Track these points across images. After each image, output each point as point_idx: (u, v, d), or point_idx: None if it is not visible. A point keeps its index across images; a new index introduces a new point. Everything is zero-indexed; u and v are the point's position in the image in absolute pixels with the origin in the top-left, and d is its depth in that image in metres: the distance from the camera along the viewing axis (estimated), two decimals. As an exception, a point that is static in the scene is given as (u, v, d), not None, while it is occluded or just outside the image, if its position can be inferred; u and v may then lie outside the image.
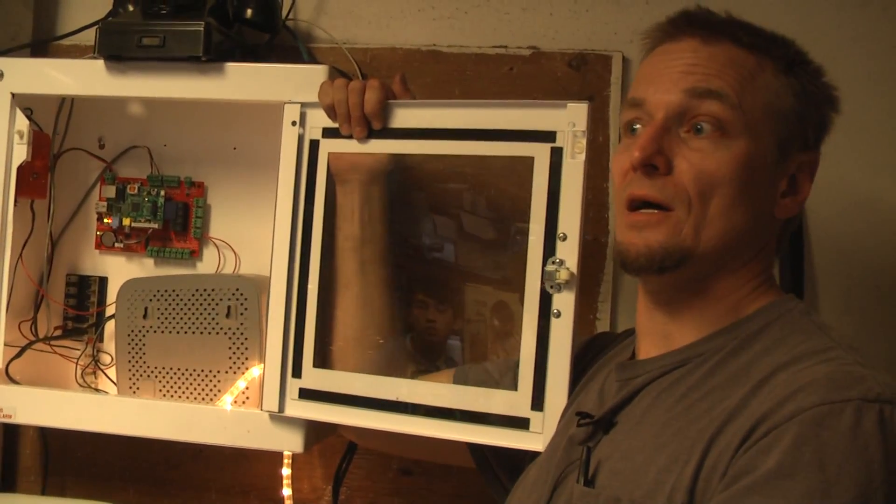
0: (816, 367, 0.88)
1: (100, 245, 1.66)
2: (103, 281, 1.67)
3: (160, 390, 1.50)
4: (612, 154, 1.52)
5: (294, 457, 1.56)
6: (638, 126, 1.03)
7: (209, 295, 1.48)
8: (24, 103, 1.49)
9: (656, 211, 0.99)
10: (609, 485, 0.94)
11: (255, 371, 1.44)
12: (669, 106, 0.99)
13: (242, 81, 1.41)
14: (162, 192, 1.63)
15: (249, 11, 1.54)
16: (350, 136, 1.29)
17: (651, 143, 0.98)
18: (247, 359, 1.45)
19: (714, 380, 0.95)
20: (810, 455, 0.79)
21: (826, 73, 1.05)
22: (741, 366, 0.94)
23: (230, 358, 1.46)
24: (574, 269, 1.16)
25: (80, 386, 1.63)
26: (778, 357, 0.92)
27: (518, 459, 1.19)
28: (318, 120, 1.32)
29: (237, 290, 1.46)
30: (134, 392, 1.51)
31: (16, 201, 1.49)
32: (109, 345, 1.62)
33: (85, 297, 1.67)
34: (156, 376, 1.50)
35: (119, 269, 1.66)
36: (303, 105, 1.33)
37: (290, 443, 1.37)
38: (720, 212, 0.97)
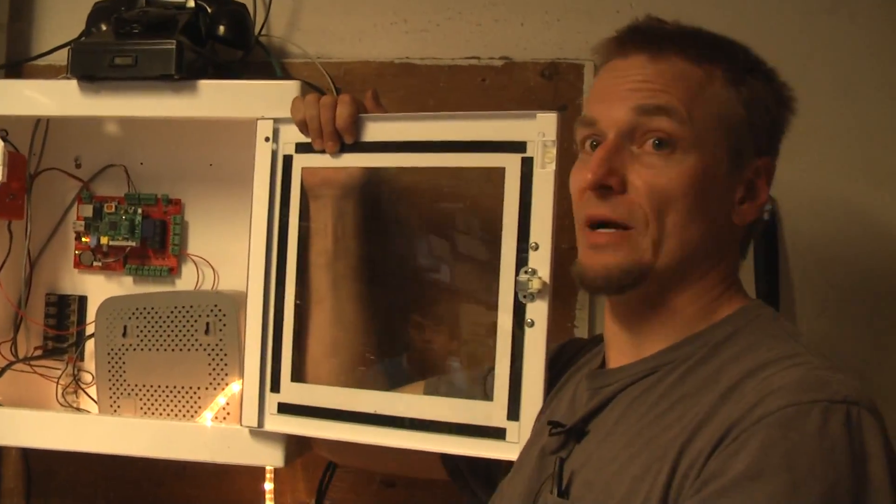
0: (785, 371, 0.88)
1: (78, 264, 1.66)
2: (83, 300, 1.67)
3: (141, 408, 1.50)
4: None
5: (277, 471, 1.56)
6: (589, 141, 1.03)
7: (188, 312, 1.48)
8: (-1, 124, 1.49)
9: (614, 231, 0.99)
10: (583, 496, 0.94)
11: (234, 387, 1.44)
12: (619, 124, 0.99)
13: (215, 99, 1.41)
14: (139, 211, 1.63)
15: (222, 29, 1.54)
16: (323, 151, 1.30)
17: (602, 164, 0.98)
18: (226, 374, 1.45)
19: (684, 388, 0.95)
20: (778, 457, 0.80)
21: (778, 75, 1.06)
22: (710, 373, 0.94)
23: (210, 374, 1.46)
24: (547, 278, 1.17)
25: (62, 406, 1.62)
26: (747, 364, 0.92)
27: (492, 469, 1.20)
28: (292, 135, 1.33)
29: (215, 306, 1.47)
30: (115, 410, 1.51)
31: (-8, 222, 1.50)
32: (90, 364, 1.62)
33: (64, 316, 1.67)
34: (136, 394, 1.50)
35: (98, 288, 1.66)
36: (275, 121, 1.34)
37: (270, 457, 1.38)
38: (676, 226, 0.98)
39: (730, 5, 1.52)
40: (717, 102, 1.00)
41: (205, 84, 1.41)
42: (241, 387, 1.35)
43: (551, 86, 1.55)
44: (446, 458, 1.27)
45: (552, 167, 1.17)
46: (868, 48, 1.51)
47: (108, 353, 1.51)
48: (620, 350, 1.06)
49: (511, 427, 1.18)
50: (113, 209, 1.63)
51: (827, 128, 1.49)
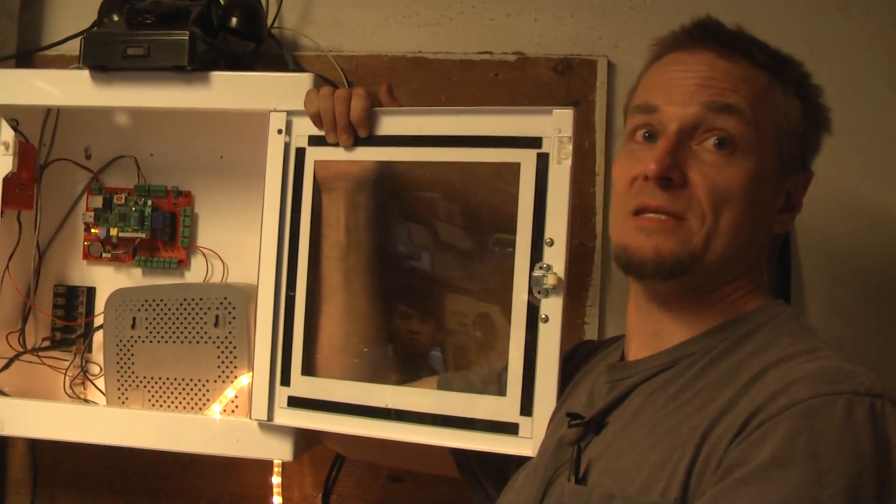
0: (807, 363, 0.89)
1: (87, 255, 1.66)
2: (91, 291, 1.67)
3: (149, 400, 1.50)
4: (609, 159, 1.52)
5: (284, 465, 1.56)
6: (643, 131, 1.03)
7: (197, 304, 1.47)
8: (10, 114, 1.49)
9: (667, 217, 0.99)
10: (601, 482, 0.94)
11: (243, 380, 1.44)
12: (685, 118, 1.00)
13: (228, 90, 1.41)
14: (149, 202, 1.63)
15: (234, 20, 1.54)
16: (336, 144, 1.29)
17: (667, 156, 0.98)
18: (235, 367, 1.45)
19: (704, 380, 0.95)
20: (803, 446, 0.80)
21: (823, 93, 1.07)
22: (731, 366, 0.95)
23: (219, 367, 1.46)
24: (561, 274, 1.17)
25: (69, 397, 1.62)
26: (768, 357, 0.93)
27: (503, 466, 1.20)
28: (304, 128, 1.32)
29: (225, 298, 1.46)
30: (123, 402, 1.51)
31: (2, 212, 1.49)
32: (98, 355, 1.61)
33: (73, 307, 1.67)
34: (145, 386, 1.50)
35: (107, 280, 1.66)
36: (289, 113, 1.33)
37: (279, 451, 1.37)
38: (730, 225, 0.99)
39: (743, 1, 1.51)
40: (777, 111, 1.01)
41: (217, 76, 1.41)
42: (251, 380, 1.35)
43: (564, 81, 1.55)
44: (457, 454, 1.27)
45: (568, 163, 1.17)
46: (880, 46, 1.50)
47: (117, 345, 1.51)
48: (642, 342, 1.07)
49: (524, 422, 1.18)
50: (123, 200, 1.63)
51: (838, 126, 1.47)
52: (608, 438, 0.99)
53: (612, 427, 1.00)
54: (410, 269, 1.39)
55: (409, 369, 1.35)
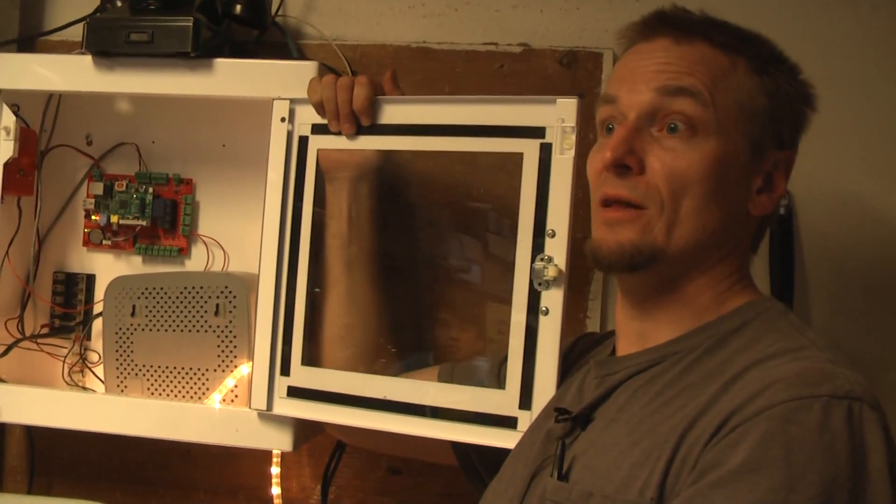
0: (788, 364, 0.88)
1: (87, 242, 1.65)
2: (91, 278, 1.66)
3: (148, 388, 1.49)
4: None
5: (283, 455, 1.55)
6: (607, 123, 1.03)
7: (198, 293, 1.47)
8: (11, 99, 1.48)
9: (628, 209, 0.98)
10: (582, 479, 0.94)
11: (243, 369, 1.43)
12: (641, 105, 0.99)
13: (231, 78, 1.40)
14: (150, 190, 1.62)
15: (238, 7, 1.53)
16: (339, 133, 1.29)
17: (622, 144, 0.98)
18: (235, 357, 1.45)
19: (689, 377, 0.95)
20: (777, 450, 0.80)
21: (802, 72, 1.05)
22: (716, 364, 0.94)
23: (219, 356, 1.45)
24: (563, 266, 1.16)
25: (68, 384, 1.62)
26: (752, 355, 0.92)
27: (501, 457, 1.19)
28: (308, 116, 1.32)
29: (226, 287, 1.46)
30: (122, 390, 1.50)
31: (2, 198, 1.49)
32: (97, 343, 1.61)
33: (72, 294, 1.66)
34: (144, 374, 1.49)
35: (107, 267, 1.65)
36: (292, 101, 1.33)
37: (278, 441, 1.37)
38: (692, 211, 0.97)
39: (748, -4, 1.50)
40: (740, 90, 0.99)
41: (221, 63, 1.41)
42: (251, 369, 1.34)
43: (569, 74, 1.54)
44: (457, 445, 1.26)
45: (571, 153, 1.17)
46: (889, 42, 1.49)
47: (117, 333, 1.51)
48: (629, 339, 1.06)
49: (522, 416, 1.17)
50: (124, 188, 1.62)
51: (844, 123, 1.48)
52: (593, 435, 0.98)
53: (597, 423, 1.00)
54: (413, 259, 1.39)
55: (408, 359, 1.35)
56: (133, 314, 1.50)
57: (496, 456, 1.21)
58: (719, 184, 0.98)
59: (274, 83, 1.36)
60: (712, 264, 1.01)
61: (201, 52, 1.40)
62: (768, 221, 1.07)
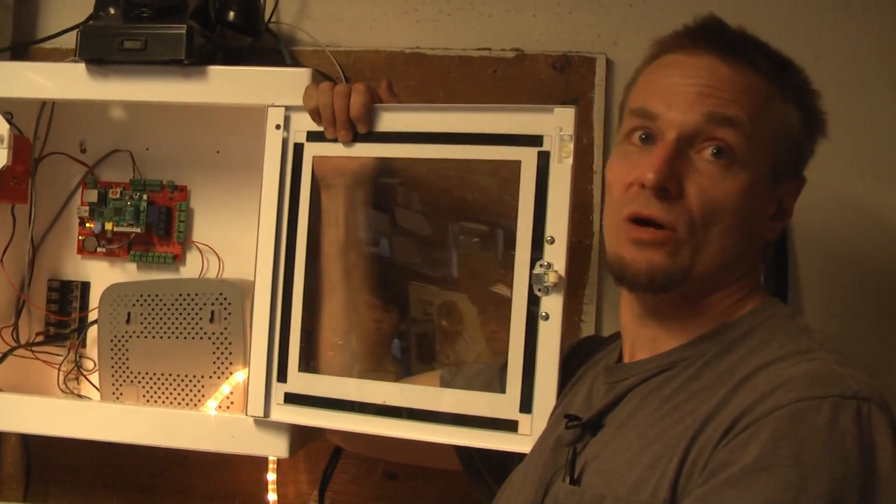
0: (797, 366, 0.89)
1: (82, 250, 1.65)
2: (85, 286, 1.66)
3: (143, 396, 1.49)
4: (607, 156, 1.51)
5: (279, 462, 1.55)
6: (640, 133, 1.01)
7: (192, 300, 1.46)
8: (5, 107, 1.48)
9: (660, 230, 0.98)
10: (594, 483, 0.94)
11: (239, 376, 1.43)
12: (684, 127, 0.98)
13: (225, 85, 1.40)
14: (144, 197, 1.62)
15: (232, 14, 1.53)
16: (335, 140, 1.29)
17: (665, 165, 0.96)
18: (231, 364, 1.44)
19: (699, 382, 0.95)
20: (787, 450, 0.81)
21: (822, 97, 1.06)
22: (725, 368, 0.95)
23: (214, 363, 1.45)
24: (562, 271, 1.17)
25: (63, 392, 1.61)
26: (761, 358, 0.93)
27: (505, 461, 1.20)
28: (303, 123, 1.32)
29: (221, 294, 1.45)
30: (117, 398, 1.50)
31: (-4, 206, 1.48)
32: (92, 350, 1.61)
33: (67, 302, 1.66)
34: (139, 382, 1.49)
35: (101, 274, 1.65)
36: (287, 108, 1.33)
37: (275, 448, 1.37)
38: (718, 236, 0.98)
39: (742, -1, 1.51)
40: (776, 119, 1.00)
41: (215, 70, 1.40)
42: (246, 376, 1.34)
43: (563, 78, 1.54)
44: (460, 450, 1.27)
45: (569, 161, 1.17)
46: (880, 45, 1.50)
47: (112, 340, 1.50)
48: (638, 345, 1.06)
49: (523, 419, 1.18)
50: (118, 195, 1.62)
51: (836, 125, 1.47)
52: (604, 440, 0.99)
53: (608, 429, 1.00)
54: (409, 264, 1.39)
55: (407, 364, 1.35)
56: (128, 321, 1.49)
57: (500, 460, 1.22)
58: (746, 212, 0.99)
59: (268, 90, 1.36)
60: (728, 283, 1.02)
61: (195, 59, 1.40)
62: (774, 240, 1.08)
